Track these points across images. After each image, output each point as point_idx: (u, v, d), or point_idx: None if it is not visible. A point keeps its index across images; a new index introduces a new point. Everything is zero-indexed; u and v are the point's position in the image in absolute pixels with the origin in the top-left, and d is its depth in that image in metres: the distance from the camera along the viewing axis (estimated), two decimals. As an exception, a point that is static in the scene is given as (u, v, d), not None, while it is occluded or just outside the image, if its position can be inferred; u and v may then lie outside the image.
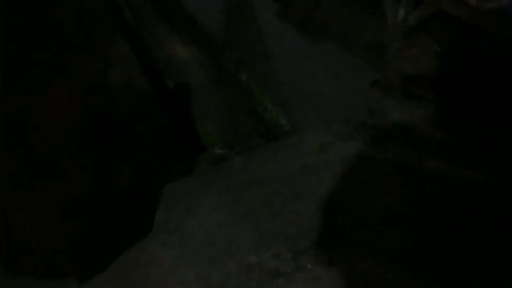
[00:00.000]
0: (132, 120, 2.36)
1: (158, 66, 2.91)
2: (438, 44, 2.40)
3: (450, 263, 1.57)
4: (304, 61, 2.58)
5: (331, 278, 1.53)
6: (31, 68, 2.47)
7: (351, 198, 1.80)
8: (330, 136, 2.07)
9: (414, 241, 1.63)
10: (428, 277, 1.54)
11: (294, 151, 2.01)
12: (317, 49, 2.67)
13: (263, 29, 2.92)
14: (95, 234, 1.54)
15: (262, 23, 2.99)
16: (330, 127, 2.12)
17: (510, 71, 2.14)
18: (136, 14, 3.43)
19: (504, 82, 2.17)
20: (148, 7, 3.52)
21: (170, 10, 3.42)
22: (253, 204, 1.77)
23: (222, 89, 2.65)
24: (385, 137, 2.06)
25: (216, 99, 2.61)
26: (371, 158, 1.96)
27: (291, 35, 2.83)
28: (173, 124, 2.34)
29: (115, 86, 2.68)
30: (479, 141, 2.03)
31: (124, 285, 1.53)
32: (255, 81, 2.55)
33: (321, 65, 2.53)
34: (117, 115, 2.09)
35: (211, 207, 1.78)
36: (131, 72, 2.78)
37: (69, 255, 1.52)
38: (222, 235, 1.65)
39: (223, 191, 1.84)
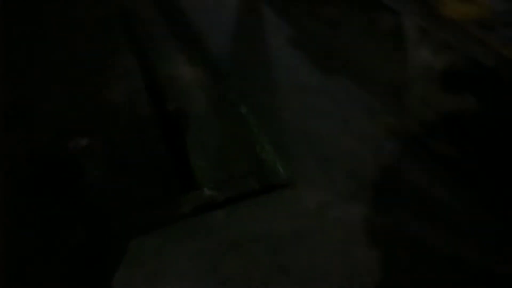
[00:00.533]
0: (126, 144, 2.18)
1: (160, 85, 2.73)
2: (471, 93, 2.06)
3: None
4: (312, 98, 2.30)
5: None
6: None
7: (347, 279, 1.49)
8: (331, 194, 1.77)
9: None
10: None
11: (287, 209, 1.73)
12: (328, 85, 2.38)
13: (272, 56, 2.67)
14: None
15: (273, 49, 2.73)
16: (331, 182, 1.82)
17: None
18: (146, 27, 3.29)
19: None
20: (159, 21, 3.37)
21: (181, 27, 3.25)
22: (227, 276, 1.49)
23: (220, 120, 2.42)
24: (396, 202, 1.74)
25: (213, 131, 2.38)
26: (376, 228, 1.65)
27: (302, 66, 2.55)
28: (167, 152, 2.11)
29: (114, 103, 2.52)
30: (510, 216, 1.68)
31: None
32: (255, 115, 2.29)
33: (331, 104, 2.24)
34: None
35: (180, 273, 1.51)
36: (133, 89, 2.62)
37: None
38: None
39: (196, 253, 1.57)
